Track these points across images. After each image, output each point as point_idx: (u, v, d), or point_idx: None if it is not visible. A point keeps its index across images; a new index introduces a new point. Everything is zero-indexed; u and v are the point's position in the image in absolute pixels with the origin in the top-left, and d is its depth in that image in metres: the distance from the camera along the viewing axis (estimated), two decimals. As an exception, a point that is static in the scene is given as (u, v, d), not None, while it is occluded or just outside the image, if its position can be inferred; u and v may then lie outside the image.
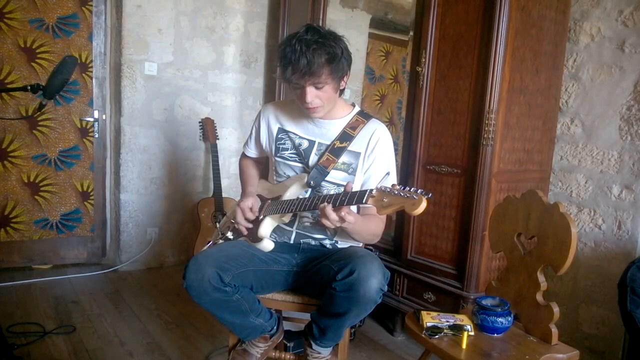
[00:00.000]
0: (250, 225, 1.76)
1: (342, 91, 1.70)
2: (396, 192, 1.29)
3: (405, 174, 2.45)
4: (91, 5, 3.28)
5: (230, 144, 3.77)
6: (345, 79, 1.66)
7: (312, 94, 1.60)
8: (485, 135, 2.10)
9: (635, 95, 2.21)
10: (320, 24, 2.91)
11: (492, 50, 2.06)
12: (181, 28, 3.43)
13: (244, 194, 1.90)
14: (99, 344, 2.34)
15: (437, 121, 2.34)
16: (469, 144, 2.20)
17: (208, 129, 3.44)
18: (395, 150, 2.46)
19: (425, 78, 2.34)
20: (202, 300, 1.58)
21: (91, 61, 3.33)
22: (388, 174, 1.63)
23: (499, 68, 2.06)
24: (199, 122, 3.50)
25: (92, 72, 3.35)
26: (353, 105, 1.81)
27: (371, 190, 1.35)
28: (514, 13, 2.05)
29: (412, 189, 1.28)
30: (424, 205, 1.24)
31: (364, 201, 1.36)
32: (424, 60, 2.34)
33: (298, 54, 1.53)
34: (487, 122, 2.09)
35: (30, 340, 2.30)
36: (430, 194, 1.27)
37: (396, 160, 2.51)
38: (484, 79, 2.10)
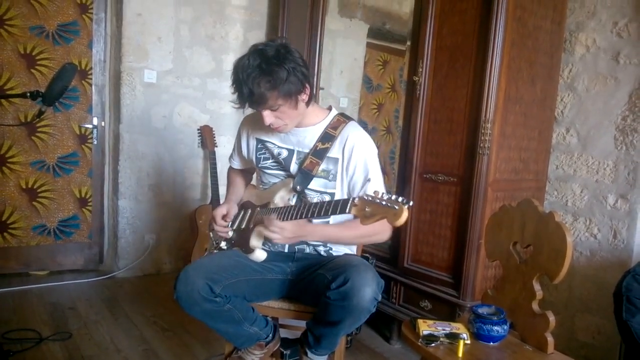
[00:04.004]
0: (226, 230, 1.78)
1: (309, 102, 1.64)
2: (377, 201, 1.27)
3: (402, 183, 2.46)
4: (91, 13, 3.30)
5: (228, 151, 3.70)
6: (306, 91, 1.59)
7: (269, 117, 1.58)
8: (482, 145, 2.11)
9: (630, 106, 2.23)
10: (319, 34, 2.94)
11: (488, 61, 2.08)
12: (181, 36, 3.45)
13: (224, 202, 1.91)
14: (95, 351, 2.33)
15: (433, 130, 2.35)
16: (466, 153, 2.21)
17: (206, 136, 3.45)
18: (392, 158, 2.46)
19: (422, 87, 2.36)
20: (192, 310, 1.59)
21: (91, 68, 3.35)
22: (369, 180, 1.62)
23: (495, 78, 2.08)
24: (198, 130, 3.51)
25: (91, 79, 3.36)
26: (330, 108, 1.77)
27: (354, 198, 1.34)
28: (509, 24, 2.07)
29: (394, 196, 1.26)
30: (405, 216, 1.22)
31: (347, 210, 1.35)
32: (421, 69, 2.36)
33: (240, 83, 1.50)
34: (483, 131, 2.11)
35: (26, 347, 2.29)
36: (411, 202, 1.25)
37: (393, 169, 2.52)
38: (480, 89, 2.12)
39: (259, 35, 3.79)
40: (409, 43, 2.54)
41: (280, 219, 1.56)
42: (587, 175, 2.37)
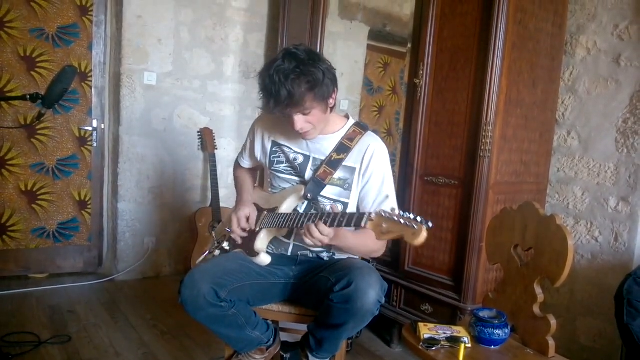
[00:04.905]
0: (245, 234, 1.75)
1: (332, 108, 1.65)
2: (396, 219, 1.26)
3: (403, 186, 2.45)
4: (91, 15, 3.30)
5: (228, 153, 3.77)
6: (334, 95, 1.61)
7: (301, 121, 1.58)
8: (483, 147, 2.11)
9: (631, 108, 2.22)
10: (319, 36, 2.94)
11: (489, 63, 2.07)
12: (181, 38, 3.44)
13: (240, 201, 1.87)
14: (94, 354, 2.32)
15: (434, 133, 2.35)
16: (466, 156, 2.21)
17: (207, 138, 3.45)
18: (393, 161, 2.45)
19: (423, 90, 2.36)
20: (197, 315, 1.58)
21: (91, 70, 3.34)
22: (387, 197, 1.62)
23: (496, 80, 2.08)
24: (198, 132, 3.51)
25: (91, 81, 3.36)
26: (347, 116, 1.78)
27: (370, 213, 1.33)
28: (510, 26, 2.07)
29: (412, 215, 1.25)
30: (424, 235, 1.21)
31: (362, 224, 1.34)
32: (421, 72, 2.36)
33: (278, 86, 1.48)
34: (484, 134, 2.10)
35: (25, 350, 2.28)
36: (430, 223, 1.23)
37: (394, 172, 2.51)
38: (481, 92, 2.12)
39: (259, 38, 3.79)
40: (409, 45, 2.54)
41: (292, 224, 1.56)
42: (588, 178, 2.37)
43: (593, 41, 2.35)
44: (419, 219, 1.24)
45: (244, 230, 1.75)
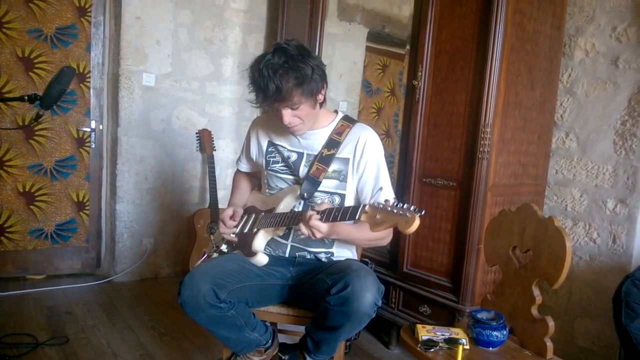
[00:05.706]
0: (236, 230, 1.76)
1: (322, 103, 1.67)
2: (389, 209, 1.28)
3: (402, 187, 2.46)
4: (90, 16, 3.30)
5: (227, 155, 3.77)
6: (322, 91, 1.63)
7: (288, 115, 1.59)
8: (481, 149, 2.11)
9: (629, 110, 2.23)
10: (318, 38, 2.94)
11: (488, 65, 2.08)
12: (180, 40, 3.44)
13: (228, 205, 1.90)
14: (92, 356, 2.32)
15: (433, 134, 2.35)
16: (465, 158, 2.21)
17: (205, 140, 3.45)
18: (392, 162, 2.45)
19: (422, 92, 2.36)
20: (196, 316, 1.58)
21: (89, 71, 3.34)
22: (381, 189, 1.63)
23: (495, 82, 2.08)
24: (196, 133, 3.51)
25: (89, 82, 3.35)
26: (336, 112, 1.80)
27: (364, 205, 1.35)
28: (509, 28, 2.07)
29: (405, 205, 1.27)
30: (417, 223, 1.23)
31: (356, 217, 1.35)
32: (420, 74, 2.36)
33: (266, 80, 1.51)
34: (482, 135, 2.10)
35: (22, 352, 2.27)
36: (423, 212, 1.25)
37: (392, 173, 2.52)
38: (479, 93, 2.12)
39: (258, 39, 3.79)
40: (408, 47, 2.54)
41: (288, 222, 1.57)
42: (586, 179, 2.37)
43: (591, 43, 2.35)
44: (412, 207, 1.26)
45: (230, 227, 1.77)
